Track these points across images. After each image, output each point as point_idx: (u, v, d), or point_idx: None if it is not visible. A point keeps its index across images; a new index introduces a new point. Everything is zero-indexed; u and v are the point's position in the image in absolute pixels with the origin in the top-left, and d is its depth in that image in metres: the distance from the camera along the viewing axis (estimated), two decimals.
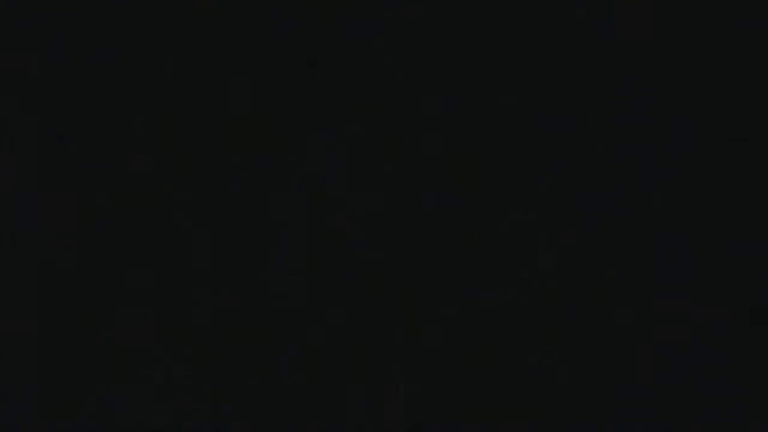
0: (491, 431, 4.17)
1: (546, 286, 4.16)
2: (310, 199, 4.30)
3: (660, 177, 4.12)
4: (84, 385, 4.32)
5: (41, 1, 4.38)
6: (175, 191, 4.35)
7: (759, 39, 4.07)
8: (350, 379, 4.24)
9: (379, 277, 4.25)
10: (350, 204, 4.27)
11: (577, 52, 4.17)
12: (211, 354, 4.30)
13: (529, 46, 4.20)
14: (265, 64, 4.34)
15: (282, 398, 4.27)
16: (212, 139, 4.35)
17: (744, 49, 4.09)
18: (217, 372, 4.30)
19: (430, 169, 4.25)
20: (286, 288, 4.29)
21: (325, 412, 4.25)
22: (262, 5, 4.35)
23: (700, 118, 4.12)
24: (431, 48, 4.26)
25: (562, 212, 4.17)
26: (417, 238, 4.24)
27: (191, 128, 4.36)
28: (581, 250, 4.15)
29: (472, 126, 4.23)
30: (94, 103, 4.40)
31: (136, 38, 4.39)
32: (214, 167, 4.35)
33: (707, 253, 4.10)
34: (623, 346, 4.12)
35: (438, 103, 4.25)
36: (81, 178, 4.38)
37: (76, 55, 4.40)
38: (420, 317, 4.22)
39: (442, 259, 4.22)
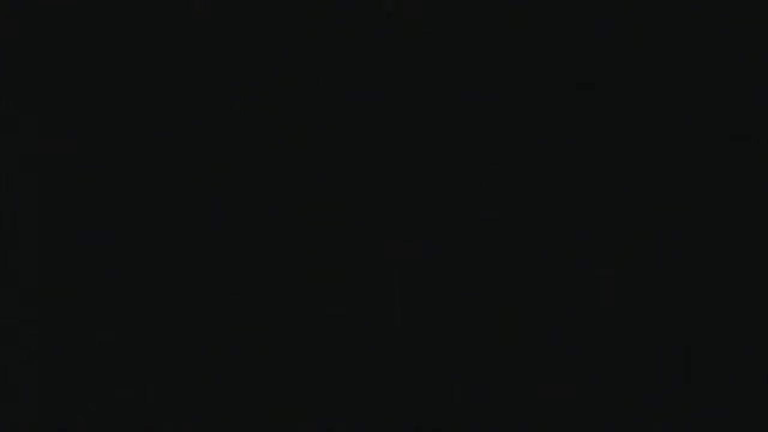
0: (491, 431, 4.17)
1: (546, 285, 4.16)
2: (310, 199, 4.30)
3: (659, 176, 4.13)
4: (84, 386, 4.31)
5: (42, 1, 4.38)
6: (175, 191, 4.35)
7: (759, 39, 4.08)
8: (350, 379, 4.24)
9: (378, 276, 4.25)
10: (350, 204, 4.27)
11: (579, 53, 4.18)
12: (211, 354, 4.30)
13: (534, 47, 4.21)
14: (266, 64, 4.34)
15: (282, 399, 4.27)
16: (213, 139, 4.35)
17: (744, 48, 4.10)
18: (217, 372, 4.29)
19: (432, 168, 4.25)
20: (286, 288, 4.29)
21: (325, 413, 4.25)
22: (261, 6, 4.35)
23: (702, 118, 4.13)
24: (435, 49, 4.26)
25: (562, 212, 4.18)
26: (416, 236, 4.24)
27: (192, 128, 4.36)
28: (582, 249, 4.16)
29: (473, 125, 4.24)
30: (94, 103, 4.40)
31: (136, 38, 4.39)
32: (215, 167, 4.34)
33: (710, 252, 4.11)
34: (624, 346, 4.13)
35: (439, 103, 4.26)
36: (81, 178, 4.37)
37: (77, 54, 4.40)
38: (420, 317, 4.23)
39: (442, 259, 4.23)
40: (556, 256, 4.17)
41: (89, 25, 4.39)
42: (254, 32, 4.34)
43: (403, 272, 4.24)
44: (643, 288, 4.13)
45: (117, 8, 4.38)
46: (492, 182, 4.22)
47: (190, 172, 4.35)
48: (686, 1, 4.13)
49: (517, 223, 4.19)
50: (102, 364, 4.31)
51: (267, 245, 4.30)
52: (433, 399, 4.19)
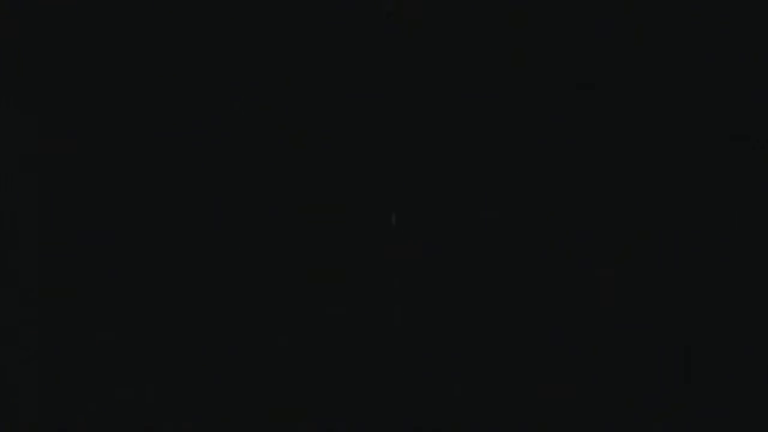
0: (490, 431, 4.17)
1: (546, 285, 4.16)
2: (310, 199, 4.30)
3: (659, 176, 4.13)
4: (84, 386, 4.31)
5: (42, 1, 4.37)
6: (175, 191, 4.35)
7: (759, 39, 4.08)
8: (350, 379, 4.24)
9: (378, 276, 4.25)
10: (351, 205, 4.27)
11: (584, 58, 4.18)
12: (211, 354, 4.30)
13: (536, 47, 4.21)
14: (266, 64, 4.34)
15: (282, 399, 4.27)
16: (212, 139, 4.35)
17: (744, 48, 4.09)
18: (217, 372, 4.29)
19: (432, 168, 4.25)
20: (286, 287, 4.29)
21: (325, 413, 4.25)
22: (262, 6, 4.35)
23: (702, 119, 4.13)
24: (435, 49, 4.26)
25: (562, 212, 4.18)
26: (416, 236, 4.24)
27: (192, 128, 4.36)
28: (582, 249, 4.16)
29: (474, 126, 4.24)
30: (94, 103, 4.40)
31: (136, 38, 4.39)
32: (215, 167, 4.34)
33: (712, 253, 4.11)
34: (624, 346, 4.13)
35: (438, 106, 4.26)
36: (81, 178, 4.37)
37: (76, 54, 4.40)
38: (420, 317, 4.23)
39: (442, 259, 4.23)
40: (556, 256, 4.17)
41: (89, 25, 4.39)
42: (254, 32, 4.34)
43: (403, 272, 4.24)
44: (643, 288, 4.12)
45: (116, 8, 4.38)
46: (492, 182, 4.22)
47: (189, 172, 4.34)
48: (686, 1, 4.13)
49: (516, 223, 4.19)
50: (102, 364, 4.31)
51: (267, 245, 4.30)
52: (433, 399, 4.19)
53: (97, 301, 4.34)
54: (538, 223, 4.18)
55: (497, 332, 4.18)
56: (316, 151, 4.30)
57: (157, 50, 4.38)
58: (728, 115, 4.09)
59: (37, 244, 4.33)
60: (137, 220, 4.35)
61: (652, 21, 4.14)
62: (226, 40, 4.35)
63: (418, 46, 4.26)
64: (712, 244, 4.10)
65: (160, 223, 4.34)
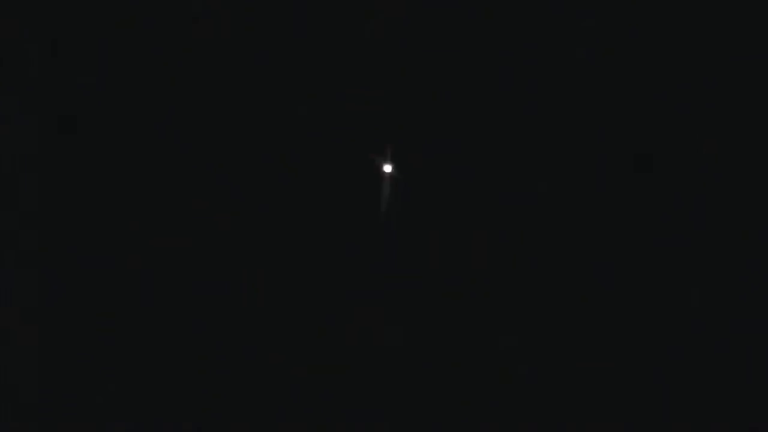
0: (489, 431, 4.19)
1: (546, 285, 4.18)
2: (310, 199, 4.31)
3: (659, 175, 4.15)
4: (84, 386, 4.31)
5: (42, 2, 4.38)
6: (175, 191, 4.35)
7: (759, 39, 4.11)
8: (350, 379, 4.26)
9: (378, 275, 4.26)
10: (350, 204, 4.28)
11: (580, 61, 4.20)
12: (211, 354, 4.30)
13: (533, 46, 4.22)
14: (264, 64, 4.35)
15: (282, 399, 4.28)
16: (212, 139, 4.36)
17: (744, 48, 4.12)
18: (217, 372, 4.30)
19: (430, 168, 4.26)
20: (286, 288, 4.29)
21: (325, 413, 4.26)
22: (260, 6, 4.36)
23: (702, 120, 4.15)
24: (431, 48, 4.28)
25: (562, 212, 4.19)
26: (415, 237, 4.26)
27: (192, 128, 4.36)
28: (582, 249, 4.17)
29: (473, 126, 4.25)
30: (94, 103, 4.40)
31: (136, 38, 4.39)
32: (214, 167, 4.35)
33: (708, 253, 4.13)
34: (624, 345, 4.15)
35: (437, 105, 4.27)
36: (81, 178, 4.37)
37: (77, 54, 4.40)
38: (419, 316, 4.24)
39: (442, 258, 4.24)
40: (555, 254, 4.18)
41: (89, 25, 4.39)
42: (254, 32, 4.35)
43: (402, 272, 4.25)
44: (643, 287, 4.14)
45: (115, 9, 4.38)
46: (491, 181, 4.23)
47: (189, 171, 4.35)
48: (686, 1, 4.15)
49: (516, 221, 4.20)
50: (102, 364, 4.31)
51: (266, 244, 4.31)
52: (432, 399, 4.20)
53: (96, 301, 4.34)
54: (537, 221, 4.19)
55: (497, 331, 4.19)
56: (315, 150, 4.30)
57: (157, 51, 4.38)
58: (725, 117, 4.11)
59: (37, 243, 4.33)
60: (137, 220, 4.35)
61: (652, 21, 4.16)
62: (225, 40, 4.36)
63: (418, 46, 4.27)
64: (711, 244, 4.12)
65: (159, 222, 4.35)
